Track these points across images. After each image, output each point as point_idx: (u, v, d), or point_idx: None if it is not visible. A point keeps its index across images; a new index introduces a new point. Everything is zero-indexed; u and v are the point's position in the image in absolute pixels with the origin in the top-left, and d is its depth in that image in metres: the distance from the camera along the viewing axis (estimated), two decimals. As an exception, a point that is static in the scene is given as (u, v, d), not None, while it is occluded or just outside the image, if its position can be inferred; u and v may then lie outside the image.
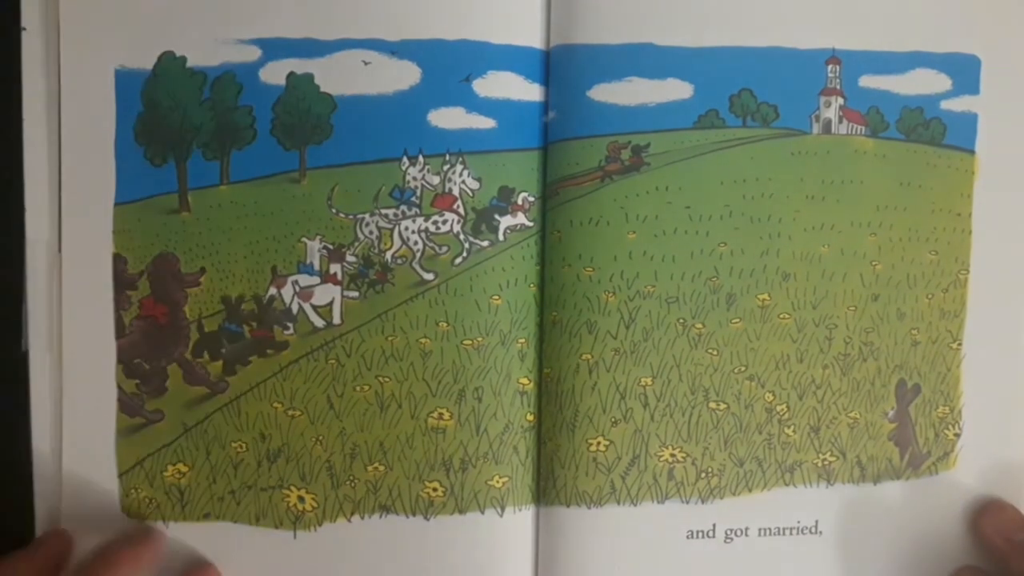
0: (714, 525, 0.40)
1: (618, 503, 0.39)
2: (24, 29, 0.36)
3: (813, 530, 0.41)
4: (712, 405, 0.40)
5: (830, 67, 0.40)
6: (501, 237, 0.39)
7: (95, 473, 0.38)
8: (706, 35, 0.38)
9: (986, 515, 0.41)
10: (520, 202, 0.39)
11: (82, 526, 0.38)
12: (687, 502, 0.40)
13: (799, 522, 0.41)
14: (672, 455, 0.40)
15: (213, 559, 0.39)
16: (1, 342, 0.37)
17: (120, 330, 0.38)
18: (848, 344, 0.41)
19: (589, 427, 0.39)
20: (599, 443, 0.39)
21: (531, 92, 0.38)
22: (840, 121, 0.40)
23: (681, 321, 0.40)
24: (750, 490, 0.41)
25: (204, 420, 0.39)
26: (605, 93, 0.38)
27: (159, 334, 0.38)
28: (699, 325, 0.40)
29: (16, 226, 0.37)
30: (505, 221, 0.39)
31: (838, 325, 0.41)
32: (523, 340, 0.39)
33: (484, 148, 0.38)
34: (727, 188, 0.39)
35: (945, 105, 0.41)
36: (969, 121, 0.41)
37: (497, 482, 0.39)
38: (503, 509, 0.39)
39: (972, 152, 0.41)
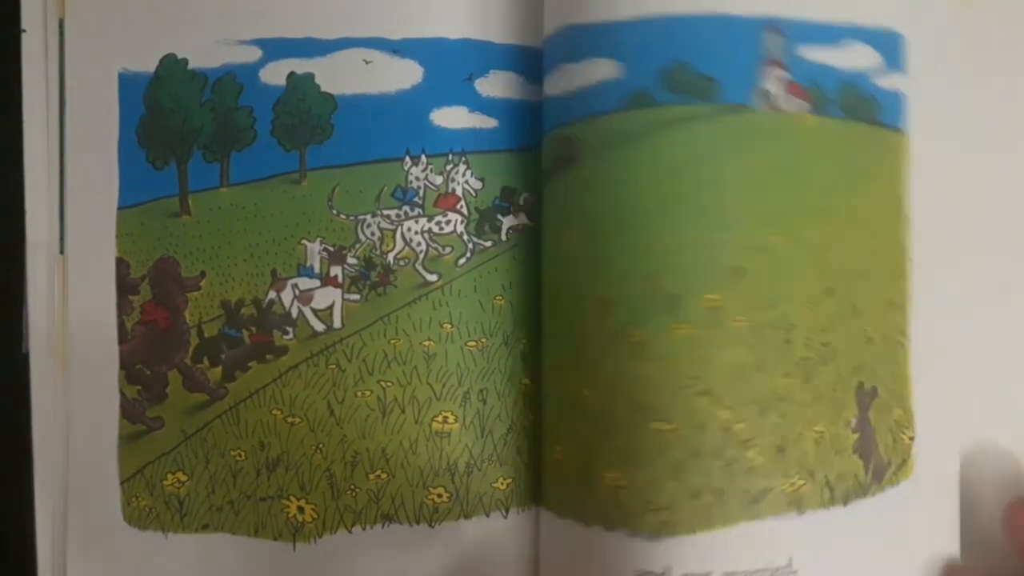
0: (668, 568, 0.34)
1: (573, 519, 0.35)
2: (24, 31, 0.36)
3: (787, 569, 0.35)
4: (656, 425, 0.34)
5: (769, 36, 0.35)
6: (503, 237, 0.38)
7: (97, 480, 0.38)
8: (627, 6, 0.34)
9: (1012, 511, 0.38)
10: (522, 202, 0.38)
11: (85, 533, 0.38)
12: (635, 535, 0.34)
13: (771, 562, 0.35)
14: (615, 478, 0.35)
15: (211, 573, 0.38)
16: (1, 344, 0.37)
17: (123, 335, 0.38)
18: (808, 347, 0.36)
19: (551, 434, 0.37)
20: (559, 451, 0.36)
21: (532, 92, 0.38)
22: (785, 96, 0.35)
23: (616, 328, 0.35)
24: (709, 526, 0.34)
25: (203, 428, 0.38)
26: (549, 87, 0.36)
27: (160, 339, 0.38)
28: (637, 332, 0.34)
29: (17, 227, 0.37)
30: (508, 221, 0.38)
31: (797, 325, 0.35)
32: (525, 340, 0.38)
33: (486, 148, 0.38)
34: (661, 175, 0.35)
35: (876, 82, 0.37)
36: (897, 100, 0.37)
37: (502, 484, 0.38)
38: (507, 511, 0.38)
39: (902, 132, 0.38)
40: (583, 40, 0.35)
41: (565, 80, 0.35)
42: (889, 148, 0.38)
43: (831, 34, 0.36)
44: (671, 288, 0.34)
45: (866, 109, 0.37)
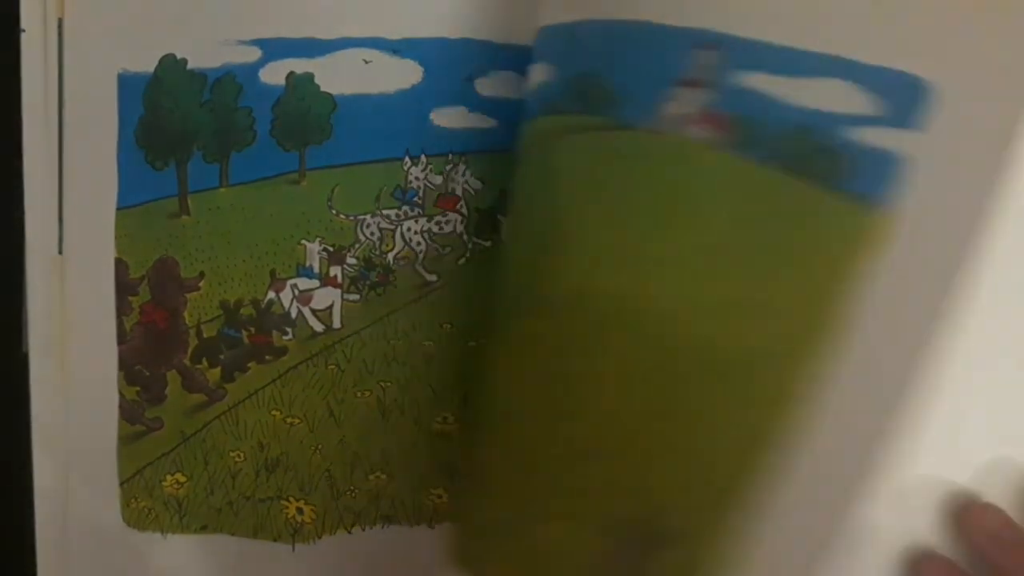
0: None
1: None
2: (23, 31, 0.36)
3: None
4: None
5: (702, 53, 0.28)
6: (503, 237, 0.38)
7: (97, 480, 0.38)
8: (565, 10, 0.32)
9: (969, 514, 0.30)
10: (523, 202, 0.38)
11: (85, 534, 0.37)
12: None
13: None
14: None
15: (210, 574, 0.38)
16: (1, 344, 0.37)
17: (122, 336, 0.38)
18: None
19: None
20: None
21: (532, 92, 0.38)
22: (690, 121, 0.28)
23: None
24: None
25: (202, 429, 0.38)
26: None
27: (159, 340, 0.38)
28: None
29: (16, 228, 0.36)
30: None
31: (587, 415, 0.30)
32: None
33: (486, 148, 0.38)
34: (535, 184, 0.33)
35: (859, 133, 0.26)
36: (890, 162, 0.25)
37: (500, 485, 0.38)
38: (506, 512, 0.38)
39: (881, 206, 0.25)
40: (538, 44, 0.34)
41: (508, 85, 0.36)
42: (848, 223, 0.26)
43: (802, 64, 0.27)
44: (498, 304, 0.34)
45: (822, 164, 0.26)
